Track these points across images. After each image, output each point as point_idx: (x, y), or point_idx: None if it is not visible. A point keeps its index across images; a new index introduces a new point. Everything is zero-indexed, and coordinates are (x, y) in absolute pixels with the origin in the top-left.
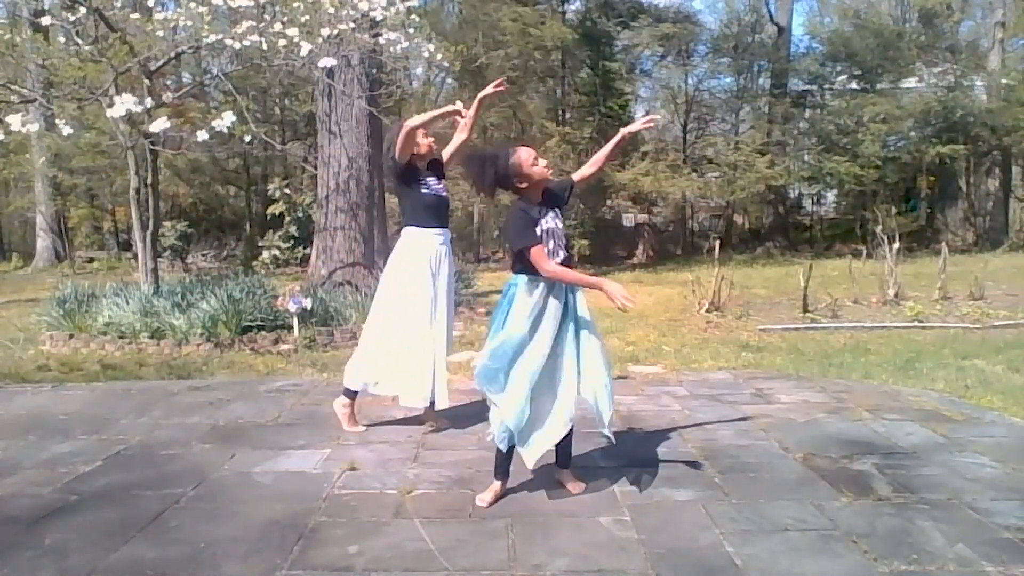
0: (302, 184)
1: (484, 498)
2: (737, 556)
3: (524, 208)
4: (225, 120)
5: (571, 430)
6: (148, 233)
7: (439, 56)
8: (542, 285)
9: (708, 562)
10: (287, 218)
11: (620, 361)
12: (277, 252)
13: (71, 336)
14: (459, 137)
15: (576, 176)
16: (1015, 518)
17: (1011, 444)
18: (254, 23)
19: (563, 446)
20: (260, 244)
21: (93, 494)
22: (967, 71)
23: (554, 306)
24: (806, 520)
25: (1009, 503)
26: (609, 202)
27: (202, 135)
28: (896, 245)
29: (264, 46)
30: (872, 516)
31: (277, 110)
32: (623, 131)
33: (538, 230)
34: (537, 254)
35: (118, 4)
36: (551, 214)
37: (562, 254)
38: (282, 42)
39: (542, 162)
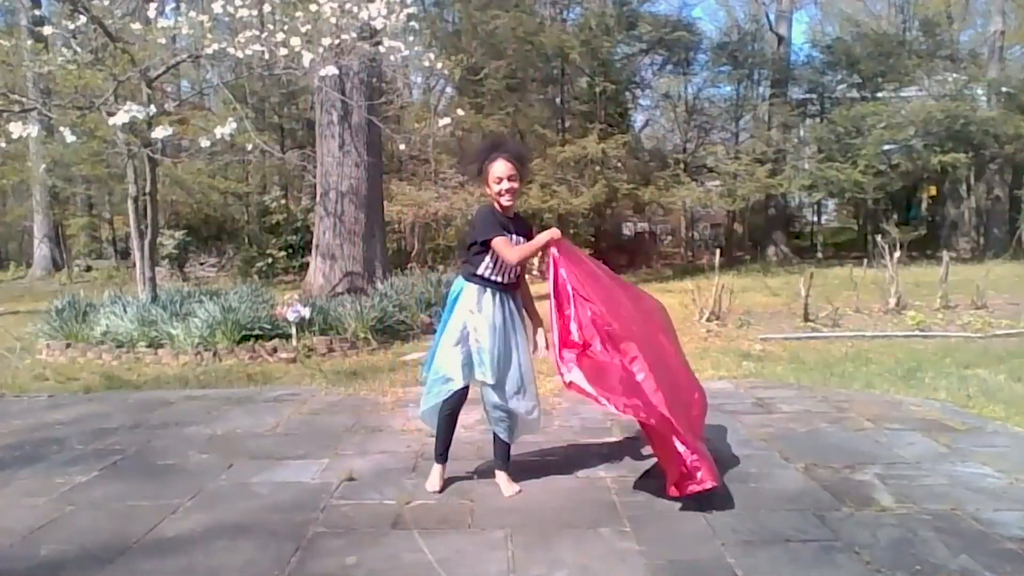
0: (301, 192)
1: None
2: (738, 567)
3: (494, 211)
4: (227, 127)
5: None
6: (146, 242)
7: (439, 65)
8: (488, 291)
9: (709, 573)
10: (286, 227)
11: None
12: (277, 259)
13: (68, 345)
14: None
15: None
16: (1018, 529)
17: (1014, 454)
18: (256, 32)
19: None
20: (267, 252)
21: (89, 505)
22: (968, 79)
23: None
24: (808, 531)
25: (1012, 514)
26: (608, 211)
27: (204, 142)
28: (897, 253)
29: (266, 55)
30: (874, 527)
31: (276, 118)
32: (539, 338)
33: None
34: (501, 244)
35: (118, 13)
36: (516, 236)
37: (512, 279)
38: (283, 51)
39: (504, 186)
